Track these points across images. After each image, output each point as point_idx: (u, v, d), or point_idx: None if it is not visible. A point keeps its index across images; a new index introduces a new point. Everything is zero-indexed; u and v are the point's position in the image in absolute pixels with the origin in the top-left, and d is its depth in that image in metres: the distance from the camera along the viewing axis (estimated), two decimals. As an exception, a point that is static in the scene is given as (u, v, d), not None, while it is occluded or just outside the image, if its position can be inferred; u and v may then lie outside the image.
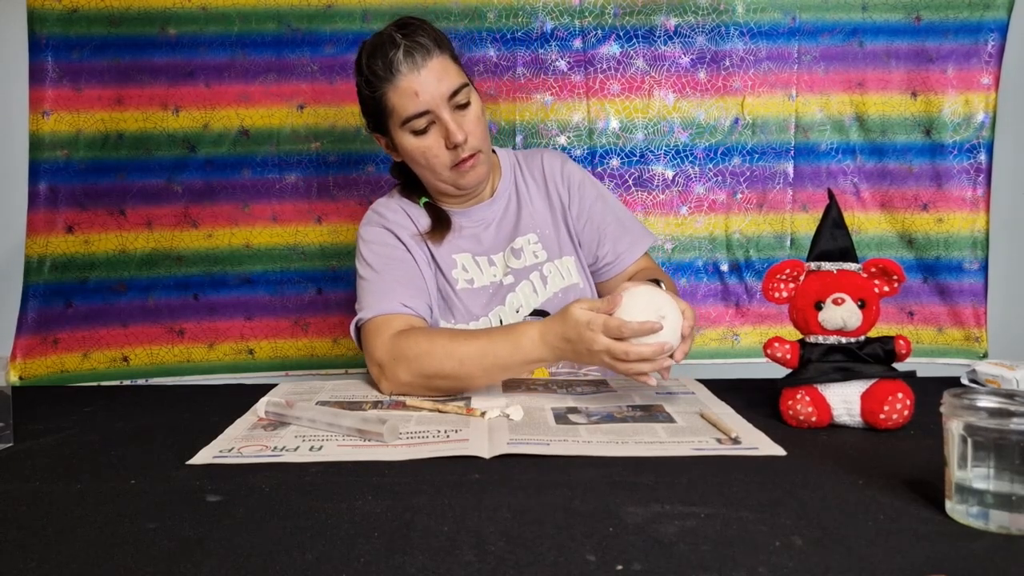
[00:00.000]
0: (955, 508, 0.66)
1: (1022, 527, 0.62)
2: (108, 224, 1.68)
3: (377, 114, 1.21)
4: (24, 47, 1.62)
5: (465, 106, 1.18)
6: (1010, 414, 0.63)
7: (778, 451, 0.84)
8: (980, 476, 0.64)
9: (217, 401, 1.11)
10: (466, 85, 1.19)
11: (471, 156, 1.20)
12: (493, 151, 1.36)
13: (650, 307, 0.97)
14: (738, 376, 1.22)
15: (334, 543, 0.62)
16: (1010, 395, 0.67)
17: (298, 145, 1.72)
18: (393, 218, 1.28)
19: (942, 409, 0.67)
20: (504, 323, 1.24)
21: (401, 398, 1.08)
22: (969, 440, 0.64)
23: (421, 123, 1.17)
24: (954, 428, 0.65)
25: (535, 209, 1.32)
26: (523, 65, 1.73)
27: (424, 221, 1.28)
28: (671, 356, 0.98)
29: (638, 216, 1.78)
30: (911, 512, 0.68)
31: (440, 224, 1.28)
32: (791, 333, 0.97)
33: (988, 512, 0.63)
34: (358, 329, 1.19)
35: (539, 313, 1.26)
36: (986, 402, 0.66)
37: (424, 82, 1.15)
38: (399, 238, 1.26)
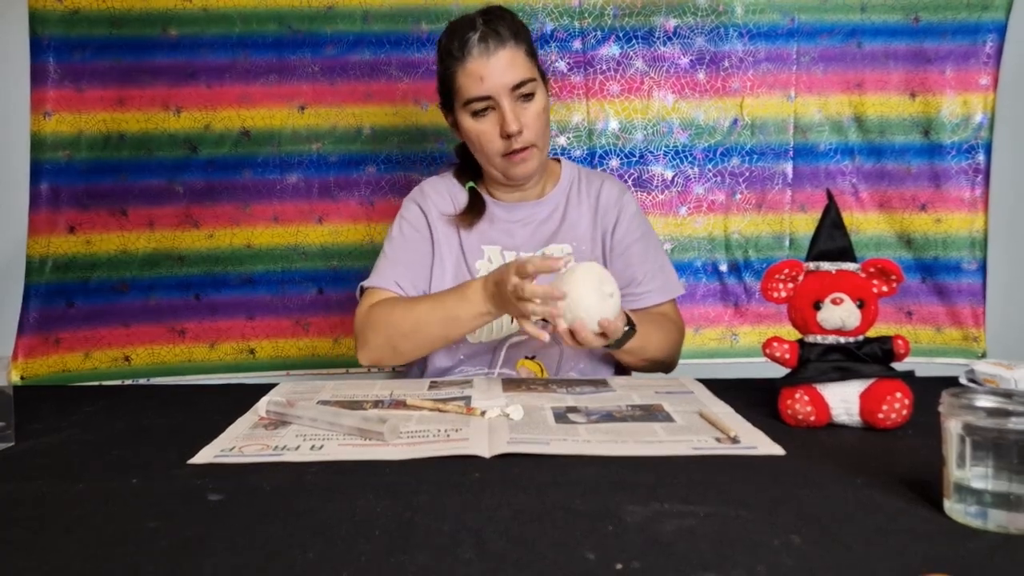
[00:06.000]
0: (953, 507, 0.66)
1: (1020, 526, 0.63)
2: (110, 224, 1.69)
3: (446, 91, 1.26)
4: (25, 48, 1.63)
5: (529, 98, 1.22)
6: (1008, 413, 0.63)
7: (777, 450, 0.84)
8: (978, 475, 0.64)
9: (218, 400, 1.11)
10: (533, 80, 1.22)
11: (524, 149, 1.22)
12: (558, 160, 1.38)
13: (595, 281, 1.04)
14: (737, 376, 1.22)
15: (334, 543, 0.62)
16: (1008, 394, 0.67)
17: (299, 146, 1.72)
18: (435, 198, 1.33)
19: (941, 408, 0.67)
20: (513, 322, 1.25)
21: (402, 397, 1.08)
22: (967, 439, 0.64)
23: (480, 106, 1.21)
24: (952, 427, 0.65)
25: (579, 224, 1.33)
26: (523, 66, 1.73)
27: (460, 205, 1.32)
28: (574, 334, 1.04)
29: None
30: (910, 511, 0.68)
31: (472, 210, 1.30)
32: (790, 333, 0.97)
33: (986, 511, 0.63)
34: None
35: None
36: (984, 402, 0.66)
37: (491, 68, 1.18)
38: (428, 220, 1.31)
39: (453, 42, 1.21)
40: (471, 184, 1.33)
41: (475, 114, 1.22)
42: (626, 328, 1.11)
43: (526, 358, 1.29)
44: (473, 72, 1.19)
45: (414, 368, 1.36)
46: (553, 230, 1.32)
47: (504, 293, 1.06)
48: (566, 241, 1.31)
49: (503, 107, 1.19)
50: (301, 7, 1.69)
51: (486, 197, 1.33)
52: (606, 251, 1.33)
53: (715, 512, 0.67)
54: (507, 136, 1.20)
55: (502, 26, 1.20)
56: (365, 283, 1.27)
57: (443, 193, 1.34)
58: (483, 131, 1.22)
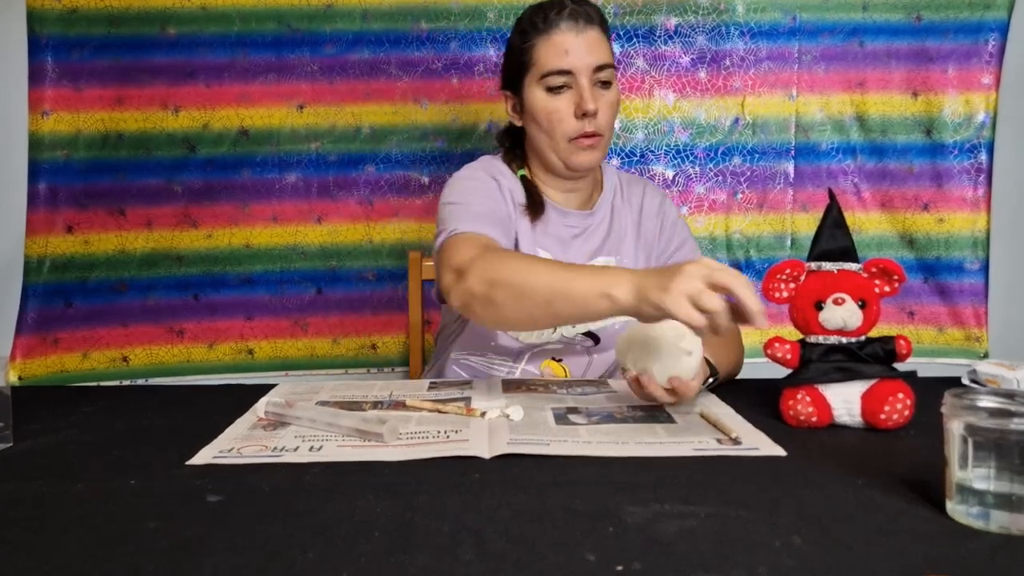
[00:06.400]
0: (955, 508, 0.66)
1: (1023, 527, 0.62)
2: (108, 224, 1.68)
3: (518, 67, 1.21)
4: (24, 47, 1.62)
5: (606, 85, 1.19)
6: (1010, 414, 0.63)
7: (778, 451, 0.84)
8: (981, 476, 0.64)
9: (217, 401, 1.10)
10: (613, 67, 1.20)
11: (593, 136, 1.19)
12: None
13: (673, 336, 0.95)
14: (738, 376, 1.22)
15: (334, 543, 0.62)
16: (1010, 395, 0.67)
17: (298, 145, 1.72)
18: (501, 173, 1.25)
19: (943, 409, 0.67)
20: (554, 331, 1.23)
21: (401, 398, 1.07)
22: (970, 440, 0.64)
23: (558, 81, 1.17)
24: (955, 428, 0.65)
25: (624, 235, 1.30)
26: (523, 65, 1.73)
27: (519, 194, 1.25)
28: (641, 386, 0.97)
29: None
30: (911, 512, 0.68)
31: (535, 207, 1.23)
32: (791, 333, 0.97)
33: (989, 512, 0.63)
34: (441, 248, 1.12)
35: (590, 336, 1.25)
36: (987, 402, 0.66)
37: (577, 45, 1.16)
38: (500, 188, 1.22)
39: (538, 16, 1.18)
40: (523, 172, 1.27)
41: (550, 90, 1.18)
42: (709, 380, 1.06)
43: (552, 359, 1.28)
44: (559, 44, 1.16)
45: (455, 324, 1.30)
46: (600, 241, 1.28)
47: (666, 282, 0.84)
48: (611, 254, 1.28)
49: (582, 85, 1.16)
50: (300, 6, 1.68)
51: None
52: (649, 262, 1.30)
53: (716, 513, 0.67)
54: (582, 115, 1.16)
55: (592, 10, 1.19)
56: (457, 228, 1.11)
57: (507, 173, 1.26)
58: (556, 108, 1.18)
